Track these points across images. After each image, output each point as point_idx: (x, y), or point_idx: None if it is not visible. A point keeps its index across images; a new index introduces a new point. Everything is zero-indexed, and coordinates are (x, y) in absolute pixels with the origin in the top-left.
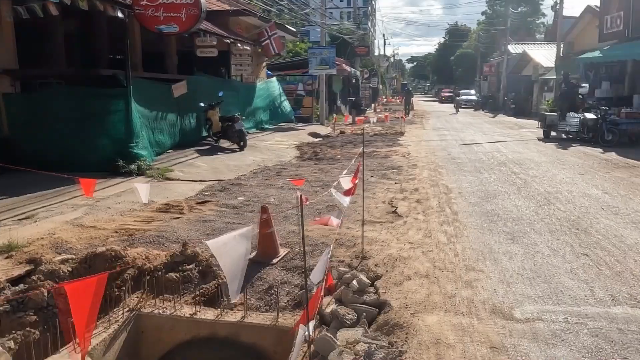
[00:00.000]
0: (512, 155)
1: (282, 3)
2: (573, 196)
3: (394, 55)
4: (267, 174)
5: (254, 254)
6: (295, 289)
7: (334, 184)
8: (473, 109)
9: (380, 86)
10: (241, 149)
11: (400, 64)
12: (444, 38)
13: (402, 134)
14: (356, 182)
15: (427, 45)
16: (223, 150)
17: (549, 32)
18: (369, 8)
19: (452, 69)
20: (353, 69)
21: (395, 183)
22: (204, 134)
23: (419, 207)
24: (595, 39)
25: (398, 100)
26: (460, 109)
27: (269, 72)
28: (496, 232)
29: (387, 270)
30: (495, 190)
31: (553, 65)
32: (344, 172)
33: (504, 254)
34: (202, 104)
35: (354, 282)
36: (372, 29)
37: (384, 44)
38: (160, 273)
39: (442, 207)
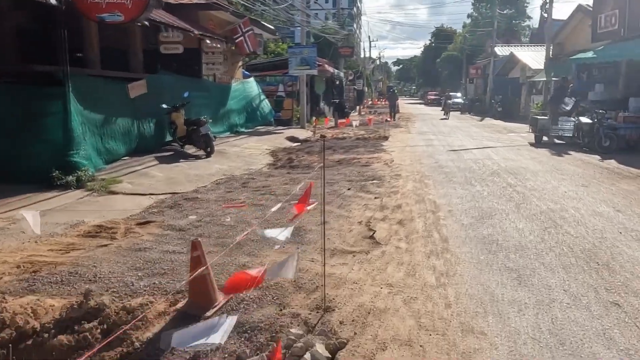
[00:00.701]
0: (504, 163)
1: (265, 2)
2: (581, 215)
3: (379, 58)
4: (231, 186)
5: (182, 303)
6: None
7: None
8: (460, 112)
9: (366, 88)
10: (208, 155)
11: (386, 67)
12: (430, 40)
13: (386, 138)
14: (306, 209)
15: (413, 48)
16: (187, 157)
17: (534, 35)
18: (354, 9)
19: (438, 72)
20: (337, 70)
21: (375, 198)
22: (169, 138)
23: (401, 230)
24: (586, 40)
25: (383, 103)
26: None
27: (246, 72)
28: (497, 267)
29: (355, 333)
30: (490, 208)
31: (542, 67)
32: (277, 207)
33: (511, 303)
34: (164, 106)
35: (307, 356)
36: (357, 31)
37: (370, 46)
38: (47, 335)
39: (430, 231)
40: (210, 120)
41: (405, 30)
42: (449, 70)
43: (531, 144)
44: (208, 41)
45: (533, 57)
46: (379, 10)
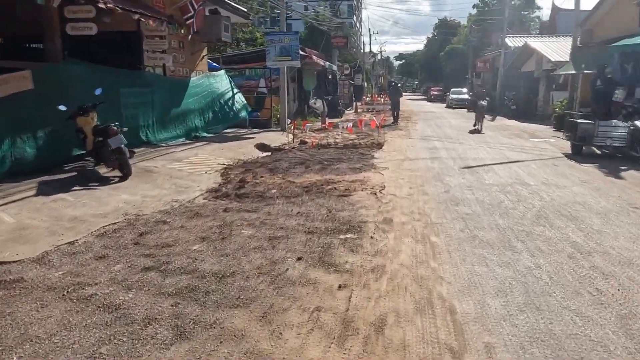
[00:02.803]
0: (547, 193)
1: None
2: None
3: (381, 52)
4: (114, 243)
5: None
6: None
7: None
8: (466, 110)
9: (365, 84)
10: (124, 177)
11: (388, 62)
12: (433, 33)
13: (380, 146)
14: None
15: (416, 44)
16: (94, 180)
17: (545, 27)
18: (354, 1)
19: (441, 66)
20: (329, 63)
21: (340, 288)
22: (79, 151)
23: None
24: (625, 24)
25: (382, 100)
26: (451, 108)
27: (215, 64)
28: None
29: None
30: (577, 336)
31: (561, 59)
32: None
33: None
34: (61, 108)
35: None
36: (358, 24)
37: (370, 40)
38: None
39: None
40: (126, 129)
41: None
42: (453, 64)
43: (568, 156)
44: (151, 22)
45: (551, 47)
46: (381, 3)
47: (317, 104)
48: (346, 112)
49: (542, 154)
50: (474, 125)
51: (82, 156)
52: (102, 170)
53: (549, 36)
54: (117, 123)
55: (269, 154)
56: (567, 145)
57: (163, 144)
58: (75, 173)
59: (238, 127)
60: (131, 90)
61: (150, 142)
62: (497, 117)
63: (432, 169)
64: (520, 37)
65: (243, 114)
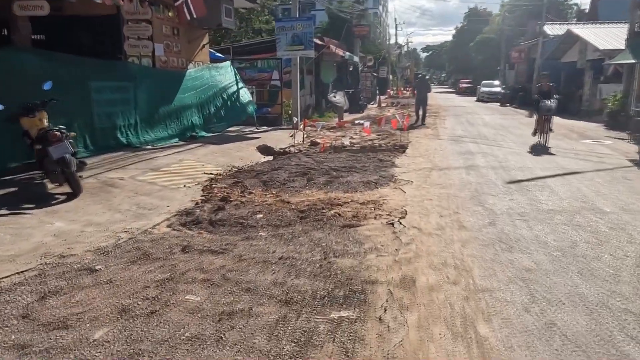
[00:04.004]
0: (636, 226)
1: None
2: None
3: (407, 44)
4: None
5: None
6: None
7: None
8: (499, 104)
9: (390, 76)
10: (73, 195)
11: (414, 53)
12: (462, 23)
13: (402, 149)
14: None
15: (444, 35)
16: (26, 200)
17: (583, 15)
18: None
19: (471, 57)
20: (349, 54)
21: None
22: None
23: None
24: None
25: (407, 93)
26: (482, 102)
27: (219, 55)
28: None
29: None
30: None
31: (612, 47)
32: None
33: None
34: None
35: None
36: (383, 14)
37: (396, 30)
38: None
39: None
40: (74, 134)
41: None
42: (484, 56)
43: (638, 164)
44: (132, 4)
45: (599, 34)
46: None
47: (337, 97)
48: (368, 106)
49: (604, 162)
50: (534, 133)
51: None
52: (52, 185)
53: (592, 23)
54: (62, 127)
55: (271, 158)
56: (632, 150)
57: (149, 147)
58: (15, 188)
59: (246, 124)
60: (106, 84)
61: (131, 145)
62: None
63: (468, 184)
64: (560, 24)
65: (249, 110)
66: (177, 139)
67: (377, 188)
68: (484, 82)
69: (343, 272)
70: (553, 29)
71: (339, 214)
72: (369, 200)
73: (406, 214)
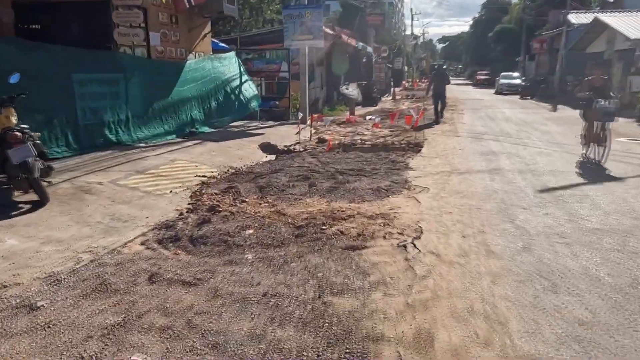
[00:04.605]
0: None
1: None
2: None
3: (423, 34)
4: None
5: None
6: None
7: None
8: (519, 97)
9: (406, 67)
10: (41, 204)
11: (430, 44)
12: (480, 13)
13: (417, 148)
14: None
15: (460, 25)
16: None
17: (607, 4)
18: None
19: (489, 48)
20: (362, 44)
21: None
22: None
23: None
24: None
25: (423, 85)
26: (501, 95)
27: (223, 45)
28: None
29: None
30: None
31: None
32: None
33: None
34: None
35: None
36: (399, 4)
37: (412, 21)
38: None
39: None
40: (38, 134)
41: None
42: (502, 46)
43: None
44: None
45: (629, 23)
46: None
47: (350, 89)
48: (382, 99)
49: None
50: (583, 143)
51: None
52: (17, 192)
53: (620, 11)
54: (25, 127)
55: (274, 158)
56: None
57: (142, 145)
58: None
59: (251, 119)
60: (92, 76)
61: (122, 143)
62: (559, 106)
63: (493, 192)
64: (586, 12)
65: (253, 104)
66: (174, 136)
67: (388, 197)
68: (503, 74)
69: (340, 320)
70: (578, 18)
71: (342, 232)
72: (378, 213)
73: (422, 232)
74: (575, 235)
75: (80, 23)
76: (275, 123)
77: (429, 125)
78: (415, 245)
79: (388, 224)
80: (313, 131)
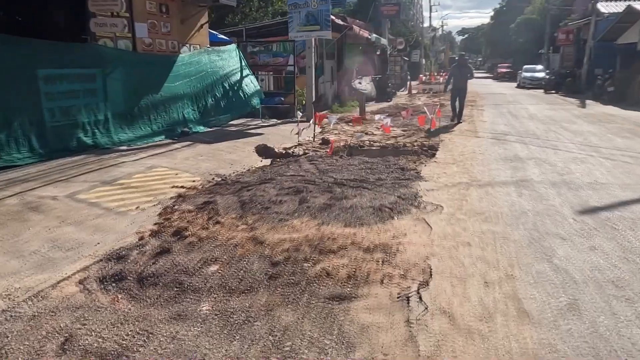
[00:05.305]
0: None
1: None
2: None
3: (442, 26)
4: None
5: None
6: None
7: None
8: (542, 91)
9: (423, 60)
10: None
11: (449, 37)
12: (501, 4)
13: (432, 152)
14: None
15: (480, 17)
16: None
17: None
18: None
19: (510, 40)
20: (376, 36)
21: None
22: None
23: None
24: None
25: (441, 79)
26: (523, 89)
27: (223, 37)
28: None
29: None
30: None
31: None
32: None
33: None
34: None
35: None
36: None
37: (430, 12)
38: None
39: None
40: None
41: None
42: (524, 38)
43: None
44: None
45: None
46: None
47: (363, 84)
48: (397, 94)
49: None
50: None
51: None
52: None
53: None
54: None
55: (269, 163)
56: None
57: (124, 147)
58: None
59: (252, 116)
60: (62, 72)
61: (100, 146)
62: (587, 102)
63: (522, 213)
64: (617, 0)
65: (255, 101)
66: (163, 137)
67: (393, 218)
68: (525, 66)
69: None
70: (608, 7)
71: (328, 273)
72: (377, 244)
73: (430, 275)
74: (637, 285)
75: (62, 15)
76: (279, 121)
77: (445, 125)
78: (421, 298)
79: (388, 261)
80: (318, 130)
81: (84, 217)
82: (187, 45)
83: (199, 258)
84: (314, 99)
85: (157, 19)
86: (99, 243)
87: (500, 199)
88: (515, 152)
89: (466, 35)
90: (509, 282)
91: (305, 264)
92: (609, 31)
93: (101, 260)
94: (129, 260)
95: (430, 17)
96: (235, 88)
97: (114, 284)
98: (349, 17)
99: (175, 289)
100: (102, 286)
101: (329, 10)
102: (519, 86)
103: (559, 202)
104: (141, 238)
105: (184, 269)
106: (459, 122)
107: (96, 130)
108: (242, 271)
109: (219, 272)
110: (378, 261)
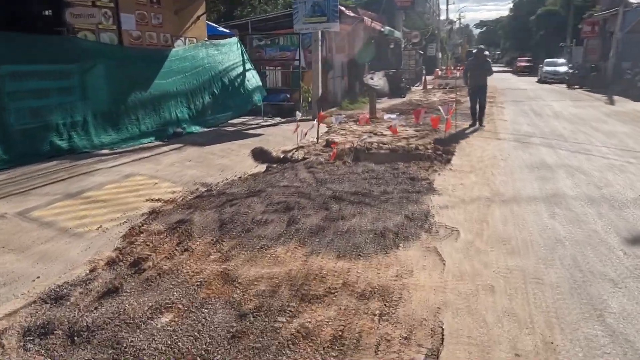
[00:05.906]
0: None
1: None
2: None
3: (459, 19)
4: None
5: None
6: None
7: None
8: (565, 86)
9: (440, 54)
10: None
11: (467, 30)
12: None
13: (447, 157)
14: None
15: (499, 10)
16: None
17: None
18: None
19: (531, 33)
20: (389, 28)
21: None
22: None
23: None
24: None
25: (458, 74)
26: (545, 84)
27: (223, 30)
28: None
29: None
30: None
31: None
32: None
33: None
34: None
35: None
36: None
37: (447, 4)
38: None
39: None
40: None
41: None
42: (545, 30)
43: None
44: None
45: None
46: None
47: (375, 79)
48: (412, 89)
49: None
50: None
51: None
52: None
53: None
54: None
55: (263, 169)
56: None
57: (106, 150)
58: None
59: (255, 114)
60: (31, 68)
61: (77, 150)
62: (615, 98)
63: (557, 242)
64: None
65: (256, 97)
66: (153, 138)
67: (398, 247)
68: (547, 60)
69: None
70: None
71: (307, 334)
72: (375, 288)
73: (442, 341)
74: None
75: (38, 5)
76: (282, 120)
77: (462, 125)
78: None
79: (388, 314)
80: (324, 130)
81: (30, 241)
82: (182, 38)
83: (152, 302)
84: (318, 96)
85: (147, 9)
86: (39, 277)
87: (528, 220)
88: (541, 158)
89: (484, 28)
90: (549, 354)
91: (279, 319)
92: (638, 22)
93: (35, 301)
94: (68, 303)
95: (447, 9)
96: (236, 84)
97: (37, 340)
98: (361, 9)
99: (110, 351)
100: (23, 342)
101: (337, 0)
102: (539, 81)
103: (602, 227)
104: (92, 270)
105: (130, 319)
106: (480, 127)
107: (73, 133)
108: (200, 325)
109: (171, 326)
110: (374, 314)
